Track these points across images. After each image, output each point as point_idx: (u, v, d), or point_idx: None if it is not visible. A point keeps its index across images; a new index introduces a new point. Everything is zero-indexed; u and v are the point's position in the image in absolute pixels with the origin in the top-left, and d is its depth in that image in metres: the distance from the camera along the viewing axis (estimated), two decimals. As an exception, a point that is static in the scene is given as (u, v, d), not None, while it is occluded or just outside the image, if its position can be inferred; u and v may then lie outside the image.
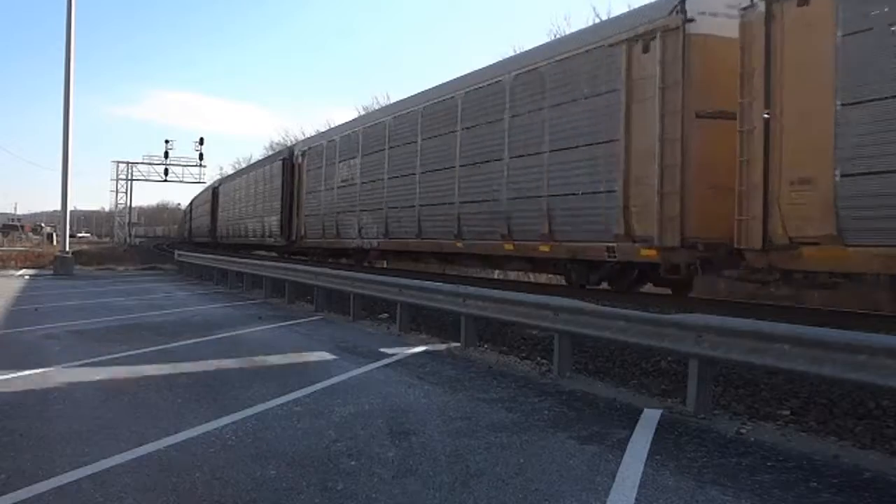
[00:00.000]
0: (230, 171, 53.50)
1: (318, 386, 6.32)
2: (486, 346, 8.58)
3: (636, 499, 3.66)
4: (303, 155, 22.42)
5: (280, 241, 23.69)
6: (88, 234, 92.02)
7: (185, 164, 54.20)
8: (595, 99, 9.93)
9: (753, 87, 7.62)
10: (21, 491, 3.68)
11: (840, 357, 4.49)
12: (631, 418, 5.26)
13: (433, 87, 15.24)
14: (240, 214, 30.92)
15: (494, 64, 13.62)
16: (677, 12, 8.68)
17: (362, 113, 39.66)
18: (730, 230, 7.87)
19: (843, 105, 6.63)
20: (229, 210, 33.98)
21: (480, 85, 12.86)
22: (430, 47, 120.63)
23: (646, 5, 10.03)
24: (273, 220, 24.55)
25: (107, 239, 67.26)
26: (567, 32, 24.98)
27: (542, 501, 3.65)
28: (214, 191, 38.61)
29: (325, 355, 8.12)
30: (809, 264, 7.32)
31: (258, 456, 4.32)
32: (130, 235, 60.63)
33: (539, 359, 7.65)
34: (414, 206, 14.68)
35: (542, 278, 15.35)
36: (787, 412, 5.34)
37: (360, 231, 17.36)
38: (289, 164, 23.64)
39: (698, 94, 8.56)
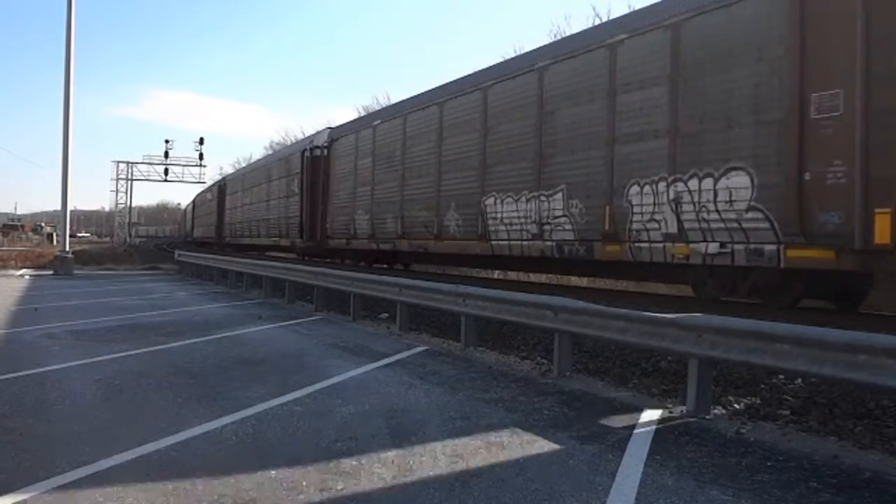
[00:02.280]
0: (230, 171, 51.42)
1: (319, 386, 6.32)
2: (485, 346, 8.57)
3: (636, 499, 3.66)
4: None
5: None
6: (89, 234, 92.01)
7: (185, 164, 54.16)
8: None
9: None
10: (21, 491, 3.68)
11: (840, 357, 4.48)
12: (631, 418, 5.26)
13: None
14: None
15: None
16: None
17: (362, 113, 32.06)
18: None
19: None
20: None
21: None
22: (431, 47, 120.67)
23: None
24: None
25: (107, 239, 67.24)
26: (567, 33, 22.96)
27: (541, 501, 3.64)
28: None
29: (324, 353, 8.12)
30: None
31: (258, 456, 4.31)
32: (130, 235, 60.60)
33: (539, 359, 7.65)
34: None
35: (543, 278, 15.10)
36: (787, 412, 5.34)
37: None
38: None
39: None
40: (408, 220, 14.72)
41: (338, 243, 18.53)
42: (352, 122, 20.15)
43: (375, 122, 17.08)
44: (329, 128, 21.76)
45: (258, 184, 26.75)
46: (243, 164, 51.35)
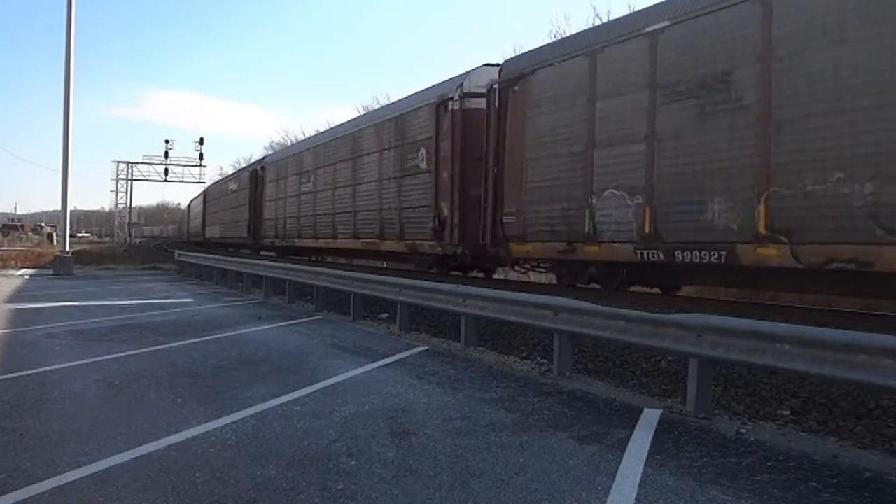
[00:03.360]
0: (230, 171, 50.82)
1: (318, 386, 6.32)
2: (485, 346, 8.57)
3: (636, 499, 3.66)
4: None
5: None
6: (89, 235, 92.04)
7: (185, 163, 54.22)
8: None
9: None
10: (21, 491, 3.68)
11: (840, 357, 4.48)
12: (631, 418, 5.26)
13: None
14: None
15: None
16: None
17: (362, 112, 28.83)
18: None
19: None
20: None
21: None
22: (431, 47, 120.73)
23: None
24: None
25: (107, 239, 67.30)
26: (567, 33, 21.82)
27: (542, 501, 3.64)
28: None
29: (324, 353, 8.12)
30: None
31: (258, 456, 4.32)
32: (130, 235, 60.61)
33: (539, 359, 7.65)
34: None
35: (542, 278, 15.08)
36: (787, 412, 5.34)
37: None
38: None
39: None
40: (787, 204, 7.36)
41: (540, 249, 10.99)
42: (568, 38, 12.16)
43: (655, 27, 8.92)
44: (487, 64, 13.14)
45: (333, 162, 19.26)
46: (243, 164, 49.93)
